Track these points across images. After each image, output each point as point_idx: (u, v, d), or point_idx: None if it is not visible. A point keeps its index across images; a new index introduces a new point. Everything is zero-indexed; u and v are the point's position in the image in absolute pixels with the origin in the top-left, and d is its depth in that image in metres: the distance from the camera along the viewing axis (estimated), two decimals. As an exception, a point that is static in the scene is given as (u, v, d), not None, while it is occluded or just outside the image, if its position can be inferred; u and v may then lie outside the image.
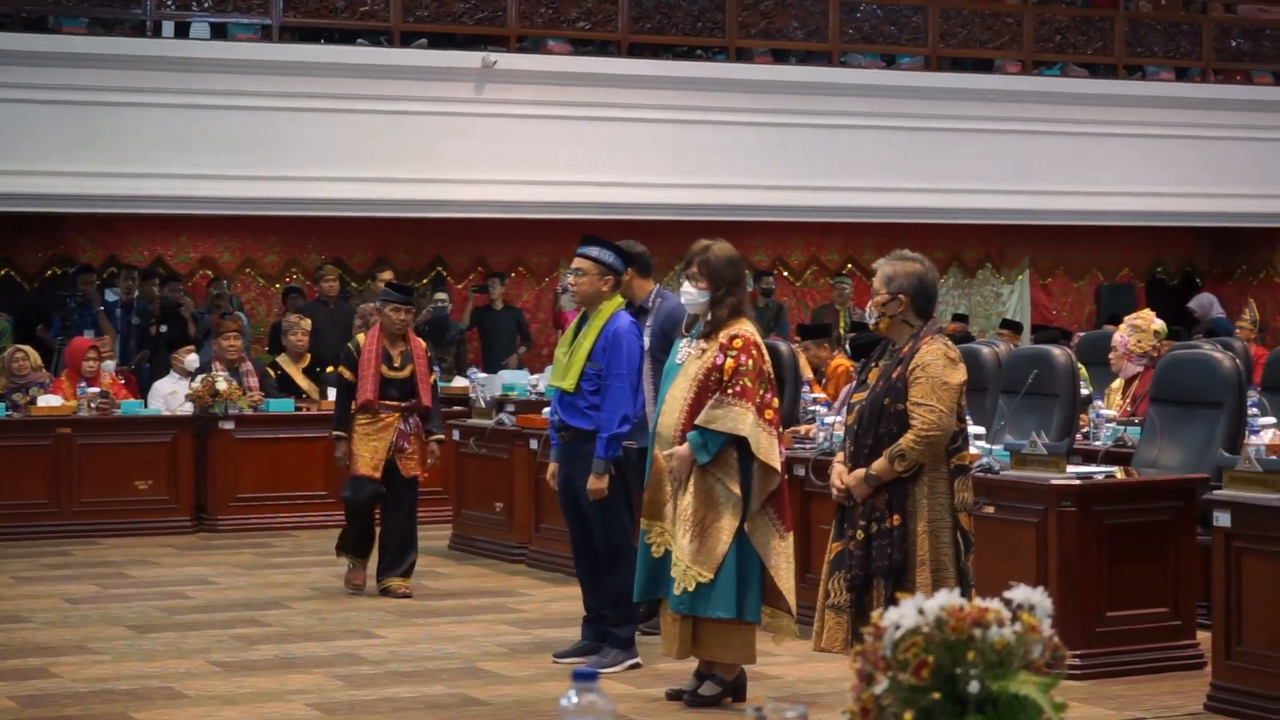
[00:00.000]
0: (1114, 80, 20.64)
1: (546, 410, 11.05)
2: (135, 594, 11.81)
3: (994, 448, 9.60)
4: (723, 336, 8.21)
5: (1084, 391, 12.30)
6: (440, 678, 9.11)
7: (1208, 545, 8.64)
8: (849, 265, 21.09)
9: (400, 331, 11.73)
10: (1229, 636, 8.19)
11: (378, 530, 11.85)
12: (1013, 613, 3.41)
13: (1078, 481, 9.00)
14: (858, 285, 20.32)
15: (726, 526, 8.10)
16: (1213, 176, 20.75)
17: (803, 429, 11.06)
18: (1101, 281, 22.70)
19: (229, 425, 14.90)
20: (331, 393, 15.49)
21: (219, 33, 17.76)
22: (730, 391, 8.09)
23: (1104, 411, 11.79)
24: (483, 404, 14.08)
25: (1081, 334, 17.84)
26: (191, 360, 15.44)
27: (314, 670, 9.29)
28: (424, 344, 12.15)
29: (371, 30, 18.01)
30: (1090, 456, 10.33)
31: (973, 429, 9.21)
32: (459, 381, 16.92)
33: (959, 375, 7.25)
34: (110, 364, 16.22)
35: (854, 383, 7.85)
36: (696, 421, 8.11)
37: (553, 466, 9.51)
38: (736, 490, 8.10)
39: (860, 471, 7.26)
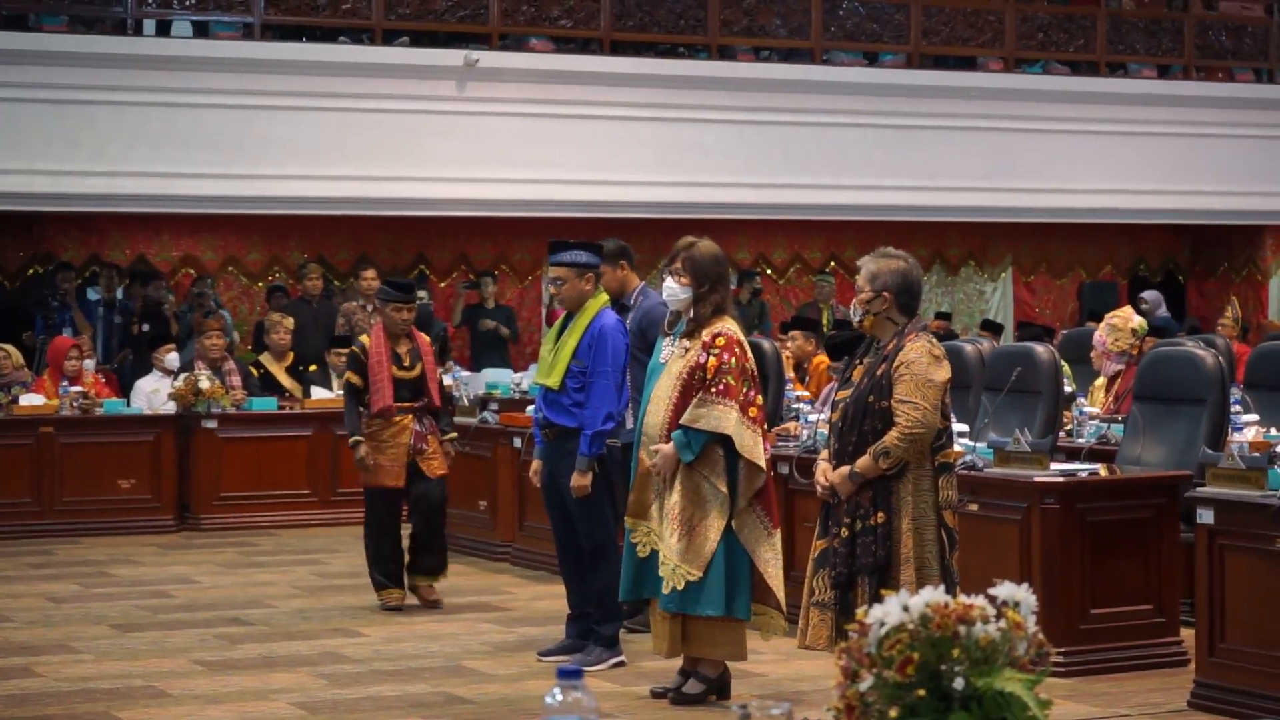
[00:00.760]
0: (1096, 78, 20.67)
1: (530, 408, 11.05)
2: (118, 593, 11.79)
3: (977, 445, 9.60)
4: (705, 335, 8.21)
5: (1067, 389, 12.31)
6: (424, 676, 9.11)
7: (1191, 542, 8.65)
8: (832, 263, 21.10)
9: (403, 331, 11.27)
10: (1212, 633, 8.20)
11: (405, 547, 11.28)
12: (997, 610, 3.41)
13: (1061, 479, 9.00)
14: (840, 283, 20.34)
15: (714, 525, 8.10)
16: (1195, 174, 20.79)
17: (789, 427, 11.06)
18: (1084, 279, 22.72)
19: (212, 424, 14.88)
20: (315, 391, 15.55)
21: (200, 31, 17.73)
22: (714, 390, 8.09)
23: (1087, 409, 11.80)
24: (466, 402, 14.06)
25: (1065, 331, 17.85)
26: (172, 359, 15.41)
27: (297, 669, 9.28)
28: (428, 338, 11.77)
29: (353, 28, 18.00)
30: (1073, 454, 10.34)
31: (956, 426, 9.22)
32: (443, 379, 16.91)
33: (943, 372, 7.25)
34: (90, 363, 16.18)
35: (837, 380, 7.85)
36: (681, 420, 8.11)
37: (536, 464, 9.50)
38: (723, 488, 8.10)
39: (845, 469, 7.26)
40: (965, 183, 19.91)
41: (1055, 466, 9.20)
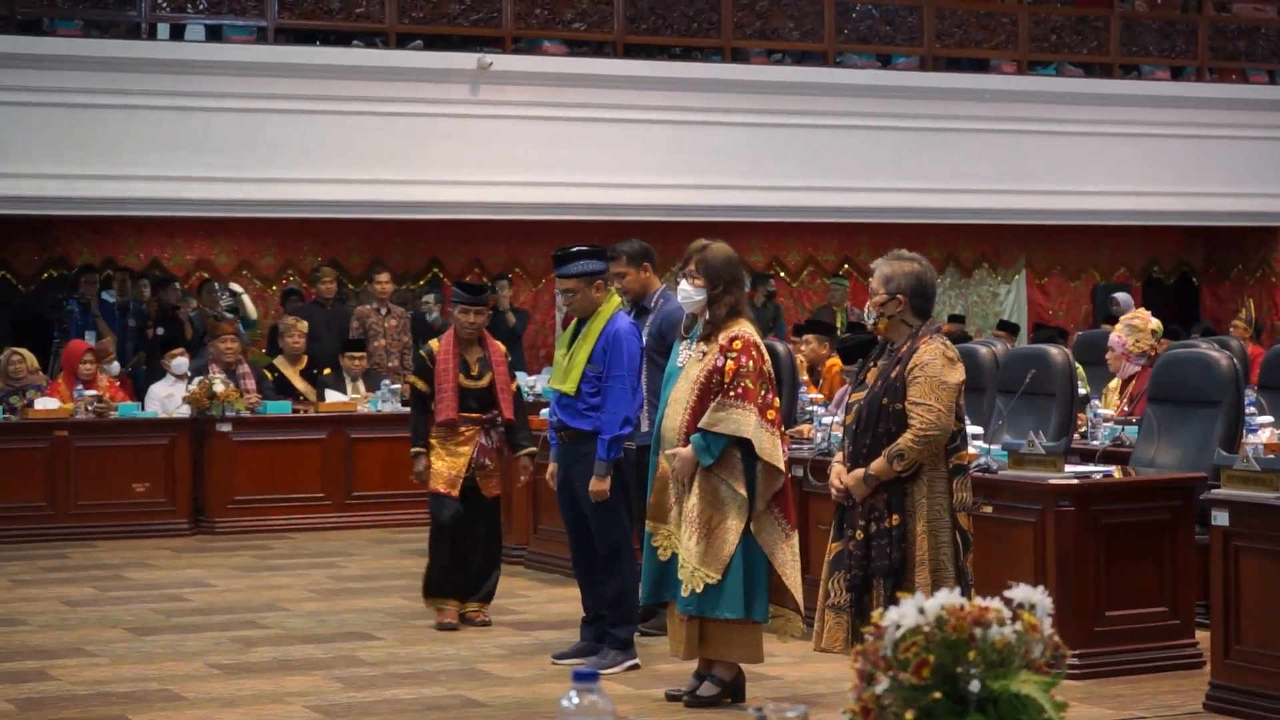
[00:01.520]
0: (1109, 80, 20.65)
1: (544, 412, 11.05)
2: (133, 596, 11.80)
3: (992, 447, 9.60)
4: (722, 338, 8.21)
5: (1081, 391, 12.30)
6: (439, 679, 9.11)
7: (1206, 544, 8.64)
8: (845, 265, 21.10)
9: (471, 336, 10.59)
10: (1228, 635, 8.20)
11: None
12: (1013, 612, 3.41)
13: (1076, 481, 9.00)
14: (854, 285, 20.33)
15: (733, 527, 8.10)
16: (1208, 175, 20.77)
17: (803, 430, 11.06)
18: (1098, 281, 22.70)
19: (226, 427, 14.91)
20: (329, 394, 15.57)
21: (214, 35, 17.75)
22: (732, 394, 8.09)
23: (1101, 411, 11.79)
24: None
25: (1079, 333, 17.84)
26: (178, 363, 15.43)
27: (312, 672, 9.29)
28: (503, 348, 10.92)
29: (367, 32, 18.01)
30: (1088, 456, 10.33)
31: (971, 429, 9.22)
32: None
33: (957, 375, 7.25)
34: (115, 366, 16.24)
35: (851, 383, 7.85)
36: (700, 424, 8.11)
37: (552, 467, 9.52)
38: (742, 491, 8.10)
39: (859, 471, 7.26)
40: (978, 185, 19.90)
41: (1070, 469, 9.19)
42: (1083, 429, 11.60)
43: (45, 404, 14.73)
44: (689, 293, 8.32)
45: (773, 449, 8.10)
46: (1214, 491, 8.40)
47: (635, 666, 9.25)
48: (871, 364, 7.50)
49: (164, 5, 17.47)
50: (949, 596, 3.39)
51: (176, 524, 14.80)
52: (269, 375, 16.09)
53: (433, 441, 10.58)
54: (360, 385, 15.94)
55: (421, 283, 20.10)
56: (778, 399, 8.31)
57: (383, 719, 8.33)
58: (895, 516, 7.19)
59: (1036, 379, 10.53)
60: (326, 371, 16.23)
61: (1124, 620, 9.01)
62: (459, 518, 10.57)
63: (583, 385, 9.19)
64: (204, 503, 15.01)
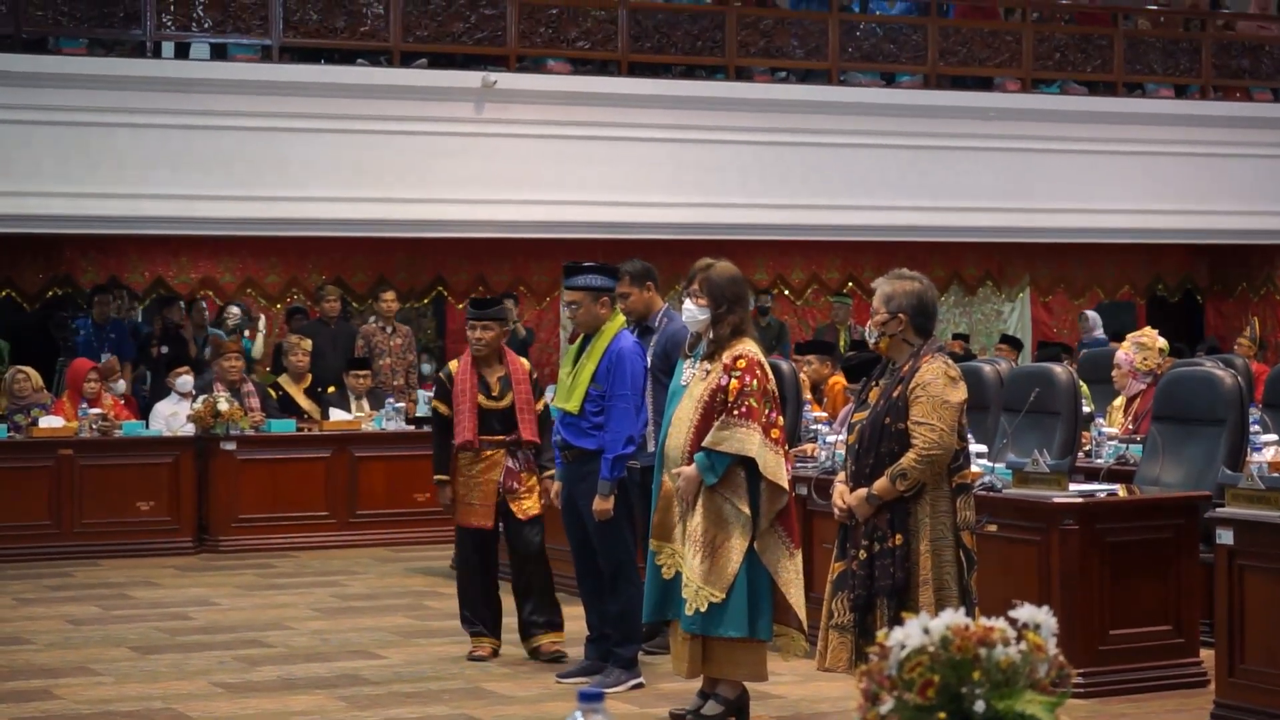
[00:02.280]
0: (1113, 98, 20.65)
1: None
2: (137, 615, 11.81)
3: (996, 466, 9.60)
4: (726, 357, 8.21)
5: (1085, 409, 12.31)
6: (443, 698, 9.11)
7: (1210, 563, 8.64)
8: (849, 284, 21.09)
9: (481, 353, 10.14)
10: (1232, 654, 8.19)
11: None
12: (1018, 631, 3.41)
13: (1080, 500, 9.00)
14: (858, 304, 20.33)
15: (737, 546, 8.10)
16: (1212, 193, 20.76)
17: (807, 449, 11.06)
18: (1102, 299, 22.69)
19: (230, 446, 14.92)
20: (333, 413, 15.58)
21: (219, 53, 17.77)
22: (736, 413, 8.09)
23: (1106, 429, 11.79)
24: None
25: (1085, 351, 17.84)
26: (183, 382, 15.45)
27: (316, 691, 9.29)
28: (527, 364, 10.42)
29: (371, 50, 18.02)
30: (1092, 474, 10.33)
31: (975, 447, 9.22)
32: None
33: (960, 394, 7.25)
34: (121, 384, 16.26)
35: (854, 402, 7.85)
36: (704, 443, 8.11)
37: (556, 485, 9.52)
38: (746, 510, 8.10)
39: (862, 491, 7.26)
40: (982, 203, 19.89)
41: (1074, 487, 9.19)
42: (1087, 447, 11.60)
43: (50, 422, 14.75)
44: (693, 312, 8.32)
45: (776, 468, 8.10)
46: (1218, 510, 8.41)
47: (640, 685, 9.24)
48: (873, 383, 7.50)
49: (169, 24, 17.48)
50: (954, 616, 3.39)
51: (181, 542, 14.81)
52: (273, 394, 16.10)
53: (459, 471, 10.16)
54: (364, 404, 15.95)
55: (425, 301, 20.11)
56: (782, 418, 8.31)
57: (387, 738, 8.33)
58: (898, 536, 7.18)
59: (1041, 397, 10.54)
60: (331, 390, 16.25)
61: (1128, 639, 9.01)
62: (487, 550, 10.22)
63: (586, 404, 9.19)
64: (208, 521, 15.02)
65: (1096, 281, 22.24)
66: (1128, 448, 11.27)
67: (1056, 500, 8.95)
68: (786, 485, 8.16)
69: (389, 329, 17.37)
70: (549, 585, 10.18)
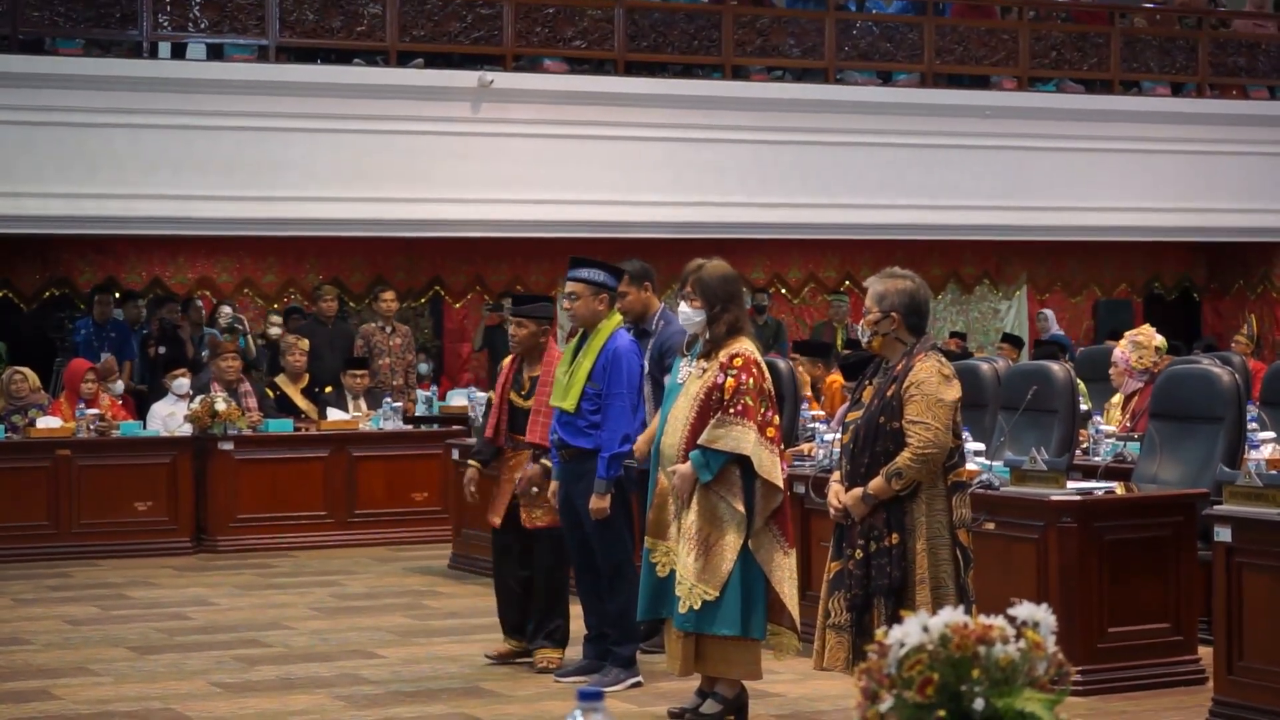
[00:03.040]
0: (1110, 96, 20.65)
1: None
2: (136, 615, 11.80)
3: (994, 464, 9.60)
4: (723, 355, 8.21)
5: (1083, 407, 12.31)
6: (442, 697, 9.11)
7: (1208, 560, 8.64)
8: (846, 282, 21.09)
9: (516, 351, 9.89)
10: (1230, 652, 8.19)
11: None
12: (1017, 629, 3.41)
13: (1078, 497, 9.00)
14: (855, 302, 20.32)
15: (731, 544, 8.10)
16: (1209, 191, 20.76)
17: (804, 448, 11.07)
18: (1099, 297, 22.71)
19: (228, 446, 14.91)
20: (331, 412, 15.60)
21: (215, 54, 17.76)
22: (732, 411, 8.09)
23: (1103, 427, 11.79)
24: (481, 422, 14.06)
25: (1081, 349, 17.85)
26: (180, 383, 15.45)
27: (316, 691, 9.29)
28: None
29: (368, 50, 18.01)
30: (1090, 472, 10.33)
31: (973, 445, 9.23)
32: (458, 400, 16.96)
33: (954, 392, 7.24)
34: (119, 385, 16.25)
35: (849, 401, 7.85)
36: (699, 441, 8.11)
37: (553, 485, 9.51)
38: (740, 508, 8.10)
39: (858, 490, 7.25)
40: (980, 201, 19.89)
41: (1072, 485, 9.19)
42: (1085, 445, 11.60)
43: (47, 423, 14.74)
44: (689, 314, 8.33)
45: (771, 466, 8.10)
46: (1216, 507, 8.41)
47: (638, 684, 9.24)
48: (867, 382, 7.50)
49: (165, 24, 17.47)
50: (952, 614, 3.39)
51: (179, 543, 14.81)
52: (270, 394, 16.10)
53: (501, 468, 9.99)
54: (362, 403, 15.95)
55: (423, 301, 20.11)
56: (778, 416, 8.32)
57: (386, 737, 8.33)
58: (895, 535, 7.17)
59: (1038, 395, 10.54)
60: (328, 390, 16.25)
61: (1127, 637, 9.01)
62: (506, 550, 10.04)
63: (583, 403, 9.19)
64: (206, 521, 15.02)
65: (1094, 280, 22.25)
66: (1125, 445, 11.27)
67: (1054, 498, 8.95)
68: (781, 484, 8.16)
69: (389, 329, 17.38)
70: (554, 599, 9.85)
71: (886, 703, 3.33)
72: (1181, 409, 10.48)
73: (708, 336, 8.31)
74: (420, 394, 17.34)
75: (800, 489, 10.16)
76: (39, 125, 16.73)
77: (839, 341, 19.26)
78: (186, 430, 15.00)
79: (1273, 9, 22.67)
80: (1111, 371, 12.45)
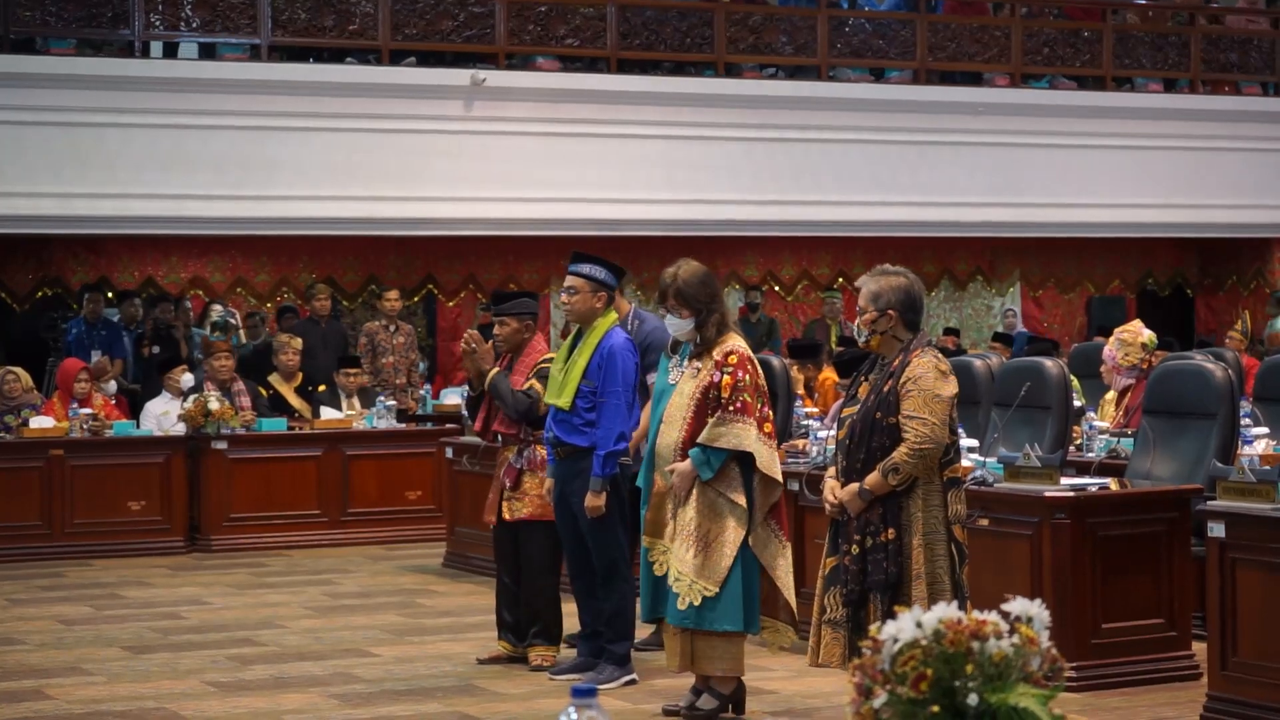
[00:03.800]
0: (1102, 92, 20.66)
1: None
2: (129, 615, 11.79)
3: (988, 460, 9.60)
4: (717, 354, 8.22)
5: (1077, 403, 12.32)
6: (436, 696, 9.10)
7: (1202, 556, 8.65)
8: (839, 279, 21.09)
9: (500, 349, 9.83)
10: (1224, 647, 8.19)
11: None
12: (1010, 625, 3.41)
13: (1071, 493, 9.00)
14: (848, 299, 20.33)
15: (731, 540, 8.11)
16: (1202, 188, 20.77)
17: (798, 444, 11.07)
18: (1092, 293, 22.72)
19: (222, 445, 14.90)
20: (324, 411, 15.58)
21: (207, 53, 17.75)
22: (731, 409, 8.11)
23: (1097, 423, 11.79)
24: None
25: (1074, 346, 17.85)
26: (186, 379, 15.45)
27: (309, 689, 9.28)
28: (539, 358, 9.79)
29: (360, 49, 18.01)
30: (1084, 468, 10.33)
31: (966, 442, 9.23)
32: (452, 399, 16.95)
33: (950, 388, 7.24)
34: (112, 385, 16.24)
35: (844, 398, 7.85)
36: (700, 439, 8.12)
37: (548, 483, 9.50)
38: (741, 502, 8.12)
39: (853, 486, 7.25)
40: (973, 198, 19.90)
41: (1065, 481, 9.20)
42: (1078, 441, 11.60)
43: (40, 423, 14.73)
44: (679, 325, 8.36)
45: (771, 461, 8.13)
46: (1210, 503, 8.41)
47: (632, 682, 9.24)
48: (863, 378, 7.50)
49: (157, 23, 17.45)
50: (947, 610, 3.39)
51: (172, 542, 14.79)
52: (264, 392, 16.08)
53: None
54: (355, 402, 15.95)
55: (416, 299, 20.10)
56: (772, 412, 8.34)
57: (380, 736, 8.32)
58: (890, 531, 7.17)
59: (1032, 392, 10.55)
60: (321, 388, 16.24)
61: (1121, 632, 9.01)
62: (499, 546, 9.98)
63: (578, 400, 9.18)
64: (200, 520, 15.00)
65: (1087, 276, 22.26)
66: (1119, 441, 11.28)
67: (1048, 494, 8.95)
68: (780, 478, 8.18)
69: (392, 327, 17.40)
70: (544, 596, 9.82)
71: (881, 698, 3.33)
72: (1175, 405, 10.47)
73: (699, 340, 8.33)
74: (424, 392, 17.38)
75: (794, 485, 10.16)
76: (30, 125, 16.72)
77: (832, 338, 19.25)
78: (180, 430, 14.99)
79: (1265, 5, 22.67)
80: (1101, 369, 12.46)
